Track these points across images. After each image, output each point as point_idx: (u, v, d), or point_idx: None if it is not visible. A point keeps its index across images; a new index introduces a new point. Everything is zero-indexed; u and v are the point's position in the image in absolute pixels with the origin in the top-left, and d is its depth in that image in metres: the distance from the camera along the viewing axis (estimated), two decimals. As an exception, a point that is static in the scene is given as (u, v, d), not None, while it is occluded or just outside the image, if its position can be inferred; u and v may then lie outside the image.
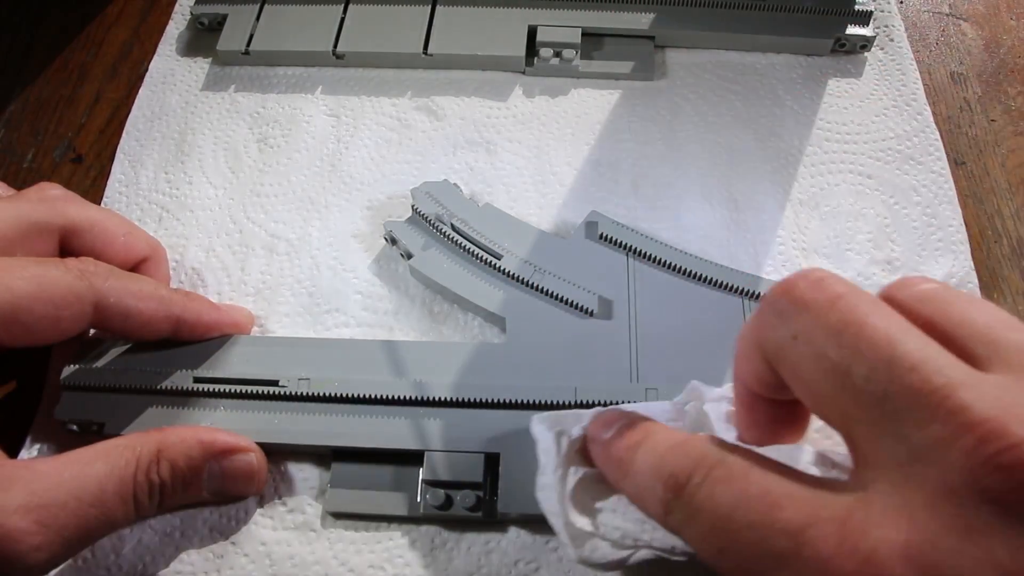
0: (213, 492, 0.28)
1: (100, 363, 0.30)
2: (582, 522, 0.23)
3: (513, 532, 0.28)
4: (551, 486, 0.23)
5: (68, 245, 0.30)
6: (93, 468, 0.25)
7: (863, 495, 0.16)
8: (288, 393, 0.29)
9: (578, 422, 0.24)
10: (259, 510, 0.29)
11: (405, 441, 0.28)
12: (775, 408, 0.21)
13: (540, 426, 0.24)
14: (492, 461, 0.28)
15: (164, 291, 0.30)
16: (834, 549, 0.15)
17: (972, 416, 0.15)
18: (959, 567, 0.14)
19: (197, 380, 0.30)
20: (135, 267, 0.32)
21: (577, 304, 0.31)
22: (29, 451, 0.30)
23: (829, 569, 0.15)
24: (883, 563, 0.15)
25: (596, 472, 0.23)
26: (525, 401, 0.29)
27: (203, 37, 0.42)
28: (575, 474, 0.23)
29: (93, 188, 0.38)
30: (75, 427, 0.30)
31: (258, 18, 0.41)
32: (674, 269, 0.32)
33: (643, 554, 0.22)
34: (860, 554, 0.15)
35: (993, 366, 0.16)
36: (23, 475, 0.24)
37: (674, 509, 0.19)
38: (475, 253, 0.32)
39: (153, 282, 0.30)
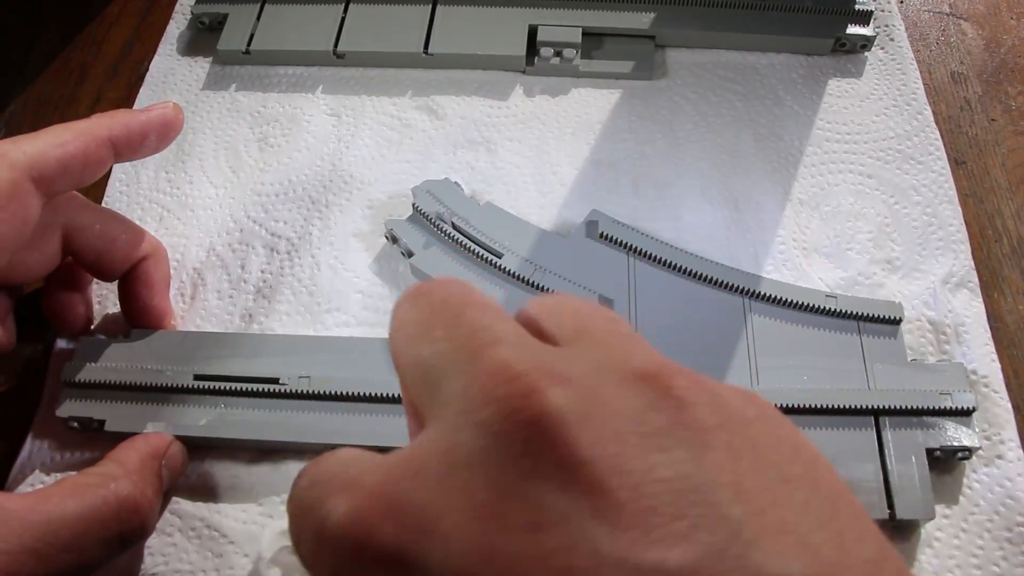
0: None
1: (100, 361, 0.30)
2: None
3: (513, 531, 0.28)
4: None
5: (70, 244, 0.30)
6: (65, 509, 0.23)
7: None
8: (289, 391, 0.29)
9: None
10: (259, 509, 0.29)
11: (405, 439, 0.28)
12: None
13: None
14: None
15: (82, 124, 0.28)
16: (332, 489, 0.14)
17: (493, 363, 0.14)
18: (426, 501, 0.13)
19: (197, 377, 0.30)
20: (135, 265, 0.32)
21: (578, 303, 0.31)
22: (30, 450, 0.30)
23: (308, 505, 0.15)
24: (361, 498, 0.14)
25: None
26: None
27: (204, 37, 0.42)
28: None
29: (94, 188, 0.38)
30: (76, 425, 0.30)
31: (259, 18, 0.41)
32: (674, 268, 0.32)
33: None
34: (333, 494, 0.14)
35: (567, 343, 0.16)
36: None
37: None
38: (476, 252, 0.32)
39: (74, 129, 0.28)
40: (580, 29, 0.40)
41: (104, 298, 0.34)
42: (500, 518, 0.12)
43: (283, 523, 0.26)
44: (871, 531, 0.13)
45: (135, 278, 0.32)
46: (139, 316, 0.32)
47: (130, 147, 0.29)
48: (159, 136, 0.29)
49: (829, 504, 0.13)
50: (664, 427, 0.13)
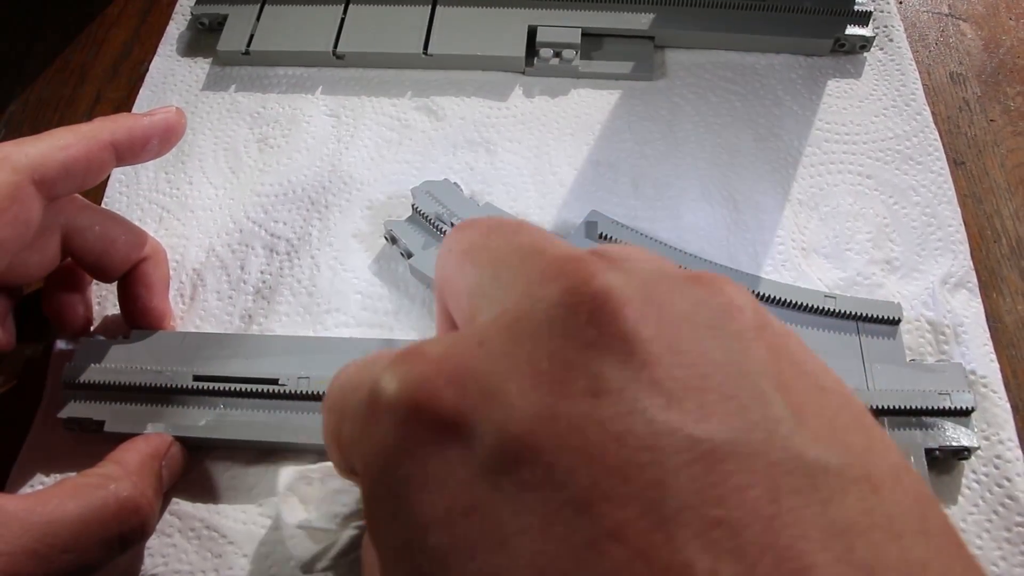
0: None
1: (100, 362, 0.30)
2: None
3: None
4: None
5: (69, 245, 0.30)
6: (65, 510, 0.23)
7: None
8: (288, 392, 0.29)
9: None
10: (258, 510, 0.29)
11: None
12: None
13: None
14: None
15: (85, 127, 0.28)
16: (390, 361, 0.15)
17: (554, 254, 0.15)
18: (489, 369, 0.13)
19: (197, 378, 0.30)
20: (135, 266, 0.32)
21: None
22: (30, 450, 0.30)
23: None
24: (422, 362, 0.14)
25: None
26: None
27: (203, 37, 0.42)
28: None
29: (93, 188, 0.38)
30: (75, 426, 0.30)
31: (258, 18, 0.41)
32: (674, 268, 0.32)
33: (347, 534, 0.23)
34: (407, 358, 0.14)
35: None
36: None
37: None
38: (475, 252, 0.32)
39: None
40: (579, 30, 0.40)
41: (104, 299, 0.34)
42: (562, 385, 0.13)
43: (297, 469, 0.25)
44: (894, 446, 0.14)
45: (134, 279, 0.32)
46: (139, 317, 0.32)
47: (132, 151, 0.29)
48: (161, 141, 0.29)
49: (859, 417, 0.14)
50: (715, 319, 0.14)
